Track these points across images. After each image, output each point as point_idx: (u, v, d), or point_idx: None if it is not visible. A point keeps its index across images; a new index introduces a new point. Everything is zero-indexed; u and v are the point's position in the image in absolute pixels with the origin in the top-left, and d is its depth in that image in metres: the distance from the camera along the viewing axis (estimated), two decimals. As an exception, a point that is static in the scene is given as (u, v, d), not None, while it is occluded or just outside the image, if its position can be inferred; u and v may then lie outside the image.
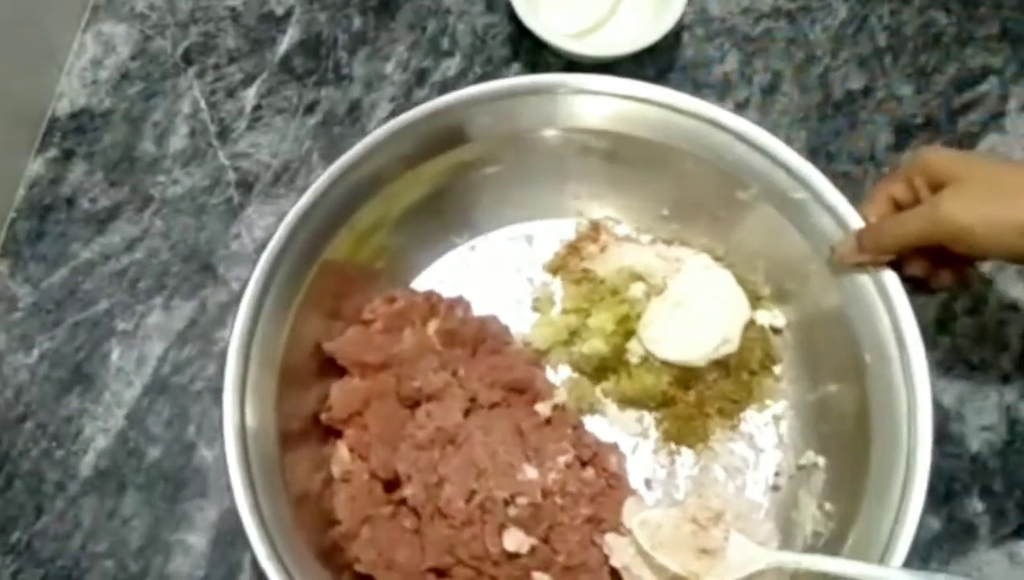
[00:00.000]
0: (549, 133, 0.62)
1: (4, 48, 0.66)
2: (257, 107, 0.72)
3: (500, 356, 0.61)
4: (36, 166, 0.70)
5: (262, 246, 0.59)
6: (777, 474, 0.61)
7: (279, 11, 0.76)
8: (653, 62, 0.73)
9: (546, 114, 0.62)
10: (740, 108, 0.72)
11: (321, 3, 0.76)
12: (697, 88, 0.73)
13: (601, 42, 0.73)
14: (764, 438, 0.62)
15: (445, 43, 0.75)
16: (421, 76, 0.73)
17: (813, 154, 0.70)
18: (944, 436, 0.63)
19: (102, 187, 0.70)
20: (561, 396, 0.60)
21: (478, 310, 0.63)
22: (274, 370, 0.55)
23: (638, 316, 0.63)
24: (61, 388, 0.64)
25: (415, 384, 0.58)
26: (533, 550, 0.54)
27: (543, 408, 0.59)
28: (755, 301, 0.64)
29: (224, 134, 0.71)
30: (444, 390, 0.58)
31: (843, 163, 0.70)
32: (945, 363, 0.65)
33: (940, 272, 0.56)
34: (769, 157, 0.59)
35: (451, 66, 0.74)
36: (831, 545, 0.55)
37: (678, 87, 0.63)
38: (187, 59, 0.74)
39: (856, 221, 0.57)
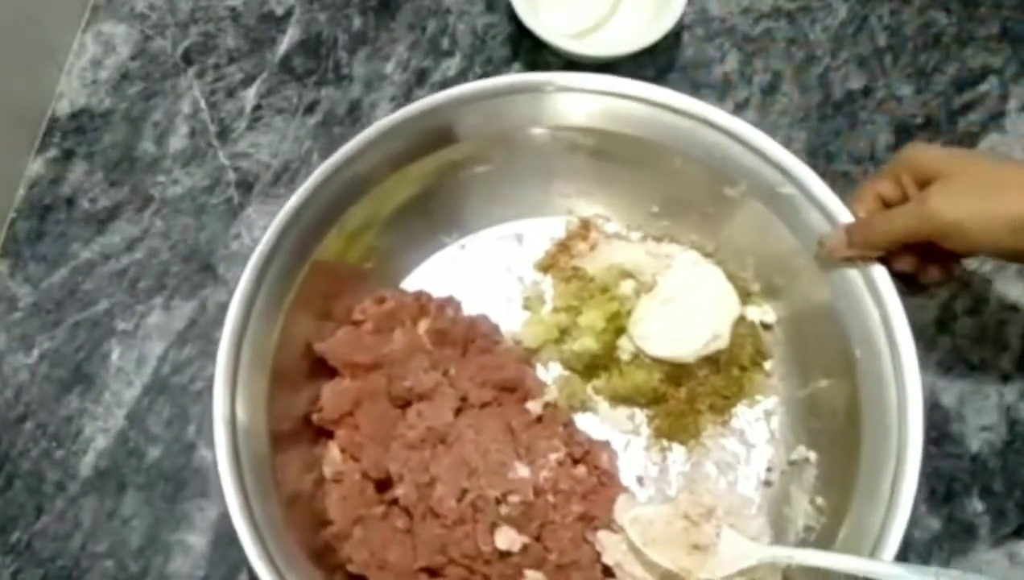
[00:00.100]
0: (537, 131, 0.63)
1: (4, 48, 0.66)
2: (257, 107, 0.72)
3: (490, 355, 0.61)
4: (36, 166, 0.70)
5: (262, 246, 0.59)
6: (769, 469, 0.61)
7: (279, 11, 0.76)
8: (653, 62, 0.73)
9: (534, 112, 0.62)
10: (740, 108, 0.72)
11: (321, 3, 0.76)
12: (697, 88, 0.73)
13: (601, 42, 0.73)
14: (755, 434, 0.62)
15: (445, 43, 0.75)
16: (421, 76, 0.73)
17: (813, 154, 0.70)
18: (944, 436, 0.63)
19: (102, 187, 0.70)
20: (552, 394, 0.60)
21: (468, 309, 0.63)
22: (265, 371, 0.55)
23: (628, 313, 0.63)
24: (61, 388, 0.64)
25: (406, 384, 0.58)
26: (525, 548, 0.54)
27: (534, 406, 0.59)
28: (745, 297, 0.64)
29: (224, 134, 0.71)
30: (435, 390, 0.58)
31: (843, 163, 0.70)
32: (945, 363, 0.65)
33: (929, 268, 0.56)
34: (757, 153, 0.59)
35: (451, 66, 0.74)
36: (822, 540, 0.56)
37: (678, 87, 0.63)
38: (187, 59, 0.74)
39: (845, 216, 0.57)
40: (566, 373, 0.63)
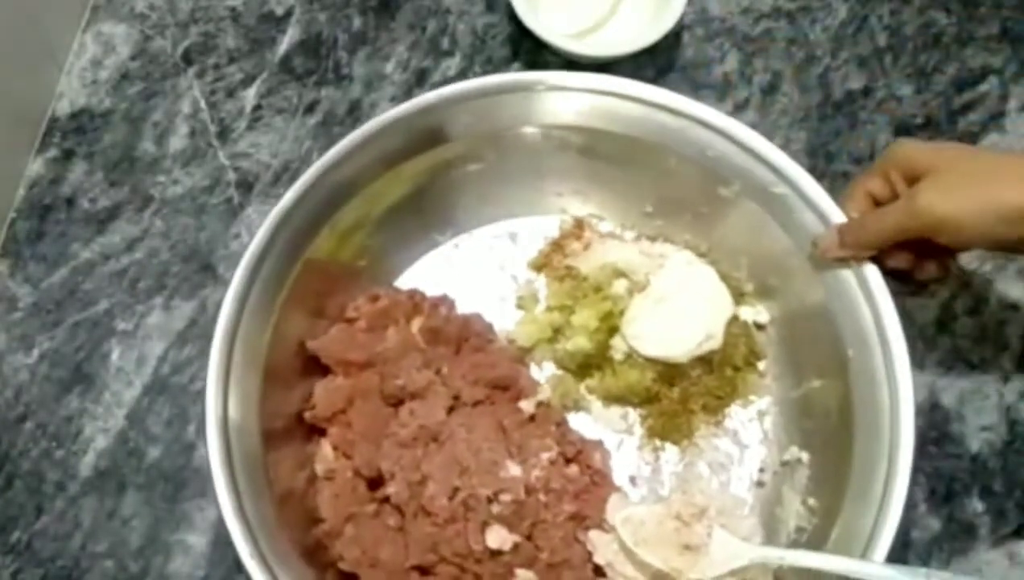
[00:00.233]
0: (530, 131, 0.63)
1: (4, 48, 0.66)
2: (257, 107, 0.72)
3: (484, 354, 0.61)
4: (36, 166, 0.70)
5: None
6: (761, 470, 0.61)
7: (279, 11, 0.76)
8: (653, 62, 0.73)
9: (526, 111, 0.62)
10: (740, 108, 0.72)
11: (321, 3, 0.76)
12: (697, 88, 0.73)
13: (601, 42, 0.73)
14: (748, 434, 0.62)
15: (445, 43, 0.75)
16: (421, 76, 0.73)
17: (813, 154, 0.70)
18: (944, 436, 0.63)
19: (102, 187, 0.70)
20: (545, 393, 0.60)
21: (462, 308, 0.63)
22: (258, 369, 0.55)
23: (621, 313, 0.63)
24: (61, 388, 0.64)
25: (398, 382, 0.58)
26: (516, 547, 0.54)
27: (527, 405, 0.59)
28: (739, 297, 0.64)
29: (224, 134, 0.71)
30: (427, 388, 0.58)
31: (843, 163, 0.70)
32: (945, 363, 0.65)
33: (925, 264, 0.56)
34: (750, 153, 0.59)
35: (451, 66, 0.74)
36: (814, 541, 0.56)
37: (677, 87, 0.63)
38: (187, 59, 0.74)
39: (838, 216, 0.57)
40: (559, 372, 0.63)
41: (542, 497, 0.55)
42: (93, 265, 0.67)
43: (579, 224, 0.66)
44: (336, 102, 0.72)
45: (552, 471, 0.56)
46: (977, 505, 0.62)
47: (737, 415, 0.63)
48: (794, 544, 0.57)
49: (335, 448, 0.58)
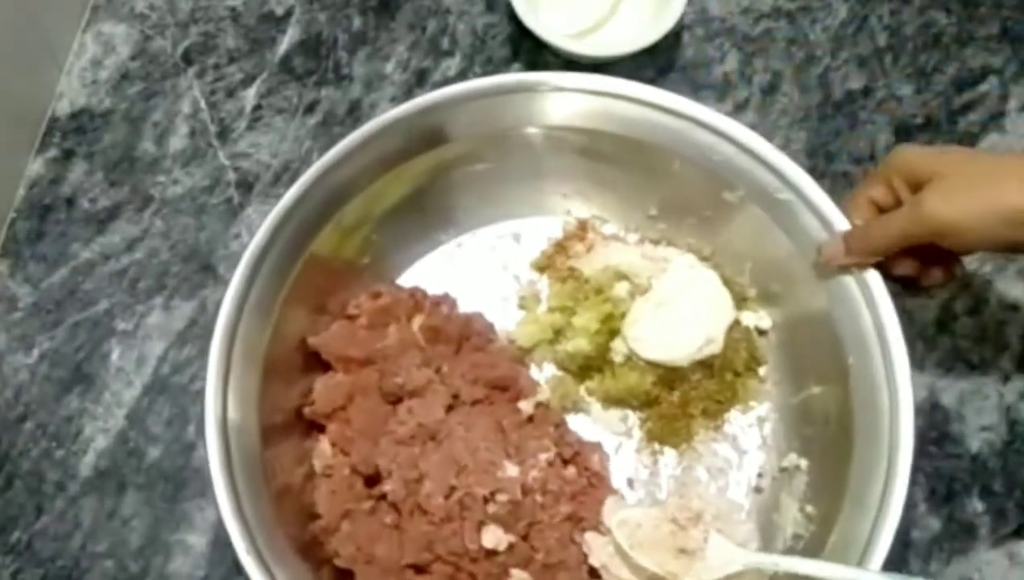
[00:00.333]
0: (534, 131, 0.62)
1: (4, 48, 0.66)
2: (257, 107, 0.72)
3: (484, 353, 0.61)
4: (36, 166, 0.70)
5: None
6: (760, 476, 0.61)
7: (279, 11, 0.76)
8: (653, 62, 0.73)
9: (530, 112, 0.62)
10: (740, 108, 0.72)
11: (321, 3, 0.76)
12: (697, 88, 0.73)
13: (601, 42, 0.73)
14: (748, 439, 0.62)
15: (445, 43, 0.75)
16: (421, 76, 0.73)
17: (813, 154, 0.70)
18: (944, 436, 0.63)
19: (102, 187, 0.70)
20: (544, 394, 0.60)
21: (464, 307, 0.63)
22: (258, 364, 0.55)
23: (622, 315, 0.63)
24: (61, 388, 0.64)
25: (397, 380, 0.58)
26: (512, 547, 0.54)
27: (526, 406, 0.59)
28: (741, 302, 0.63)
29: (224, 134, 0.71)
30: (426, 386, 0.58)
31: (843, 163, 0.70)
32: (945, 363, 0.65)
33: (930, 270, 0.56)
34: (755, 157, 0.59)
35: (451, 66, 0.74)
36: (811, 548, 0.55)
37: (677, 87, 0.63)
38: (187, 59, 0.74)
39: (842, 223, 0.57)
40: (559, 373, 0.63)
41: (539, 498, 0.55)
42: (93, 265, 0.67)
43: (583, 226, 0.66)
44: (336, 102, 0.72)
45: (549, 472, 0.56)
46: (977, 505, 0.62)
47: (737, 420, 0.63)
48: (790, 551, 0.57)
49: (333, 444, 0.58)
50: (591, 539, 0.56)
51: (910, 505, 0.60)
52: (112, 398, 0.64)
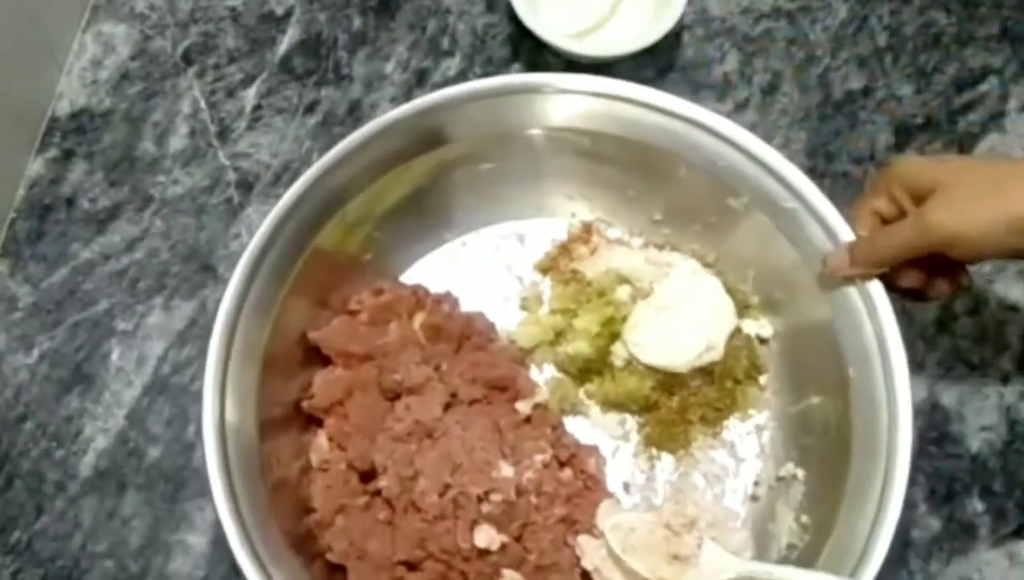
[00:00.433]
0: (535, 132, 0.62)
1: (4, 48, 0.66)
2: (257, 107, 0.72)
3: (484, 353, 0.61)
4: (36, 166, 0.70)
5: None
6: (756, 484, 0.61)
7: (279, 11, 0.76)
8: (653, 62, 0.73)
9: (531, 113, 0.62)
10: (740, 108, 0.72)
11: (321, 3, 0.76)
12: (697, 88, 0.73)
13: (601, 42, 0.73)
14: (745, 447, 0.62)
15: (445, 43, 0.75)
16: (421, 76, 0.73)
17: (813, 154, 0.70)
18: (944, 436, 0.63)
19: (102, 187, 0.70)
20: (543, 395, 0.60)
21: (466, 306, 0.63)
22: (257, 358, 0.55)
23: (623, 319, 0.63)
24: (61, 388, 0.64)
25: (396, 377, 0.58)
26: (504, 547, 0.54)
27: (523, 407, 0.59)
28: (743, 310, 0.63)
29: (224, 134, 0.71)
30: (425, 384, 0.58)
31: (843, 163, 0.70)
32: (945, 363, 0.65)
33: (936, 282, 0.56)
34: (761, 164, 0.59)
35: (451, 66, 0.74)
36: (805, 558, 0.55)
37: (677, 87, 0.63)
38: (187, 59, 0.74)
39: (847, 232, 0.56)
40: (559, 375, 0.63)
41: (533, 499, 0.55)
42: (93, 265, 0.67)
43: (587, 228, 0.66)
44: (336, 102, 0.72)
45: (545, 474, 0.56)
46: (977, 505, 0.62)
47: (735, 428, 0.62)
48: (785, 560, 0.57)
49: (331, 439, 0.58)
50: (584, 542, 0.56)
51: (910, 505, 0.60)
52: (112, 398, 0.64)
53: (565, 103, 0.61)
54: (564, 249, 0.66)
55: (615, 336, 0.63)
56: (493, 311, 0.64)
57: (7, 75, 0.67)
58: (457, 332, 0.61)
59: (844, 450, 0.55)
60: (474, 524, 0.54)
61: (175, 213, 0.69)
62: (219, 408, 0.53)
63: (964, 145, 0.71)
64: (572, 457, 0.58)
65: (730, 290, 0.63)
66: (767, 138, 0.60)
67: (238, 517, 0.51)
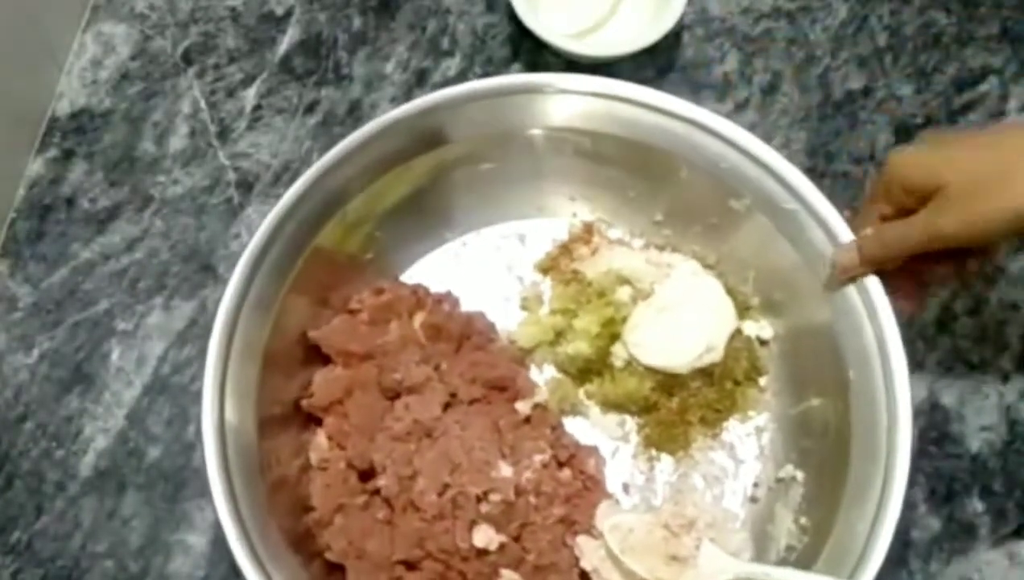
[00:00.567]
0: (538, 133, 0.62)
1: (4, 48, 0.66)
2: (257, 107, 0.72)
3: (484, 353, 0.61)
4: (36, 166, 0.70)
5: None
6: (756, 486, 0.61)
7: (279, 11, 0.76)
8: (653, 62, 0.73)
9: (532, 113, 0.62)
10: (740, 108, 0.72)
11: (321, 3, 0.76)
12: (697, 88, 0.73)
13: (601, 42, 0.73)
14: (745, 449, 0.62)
15: (445, 43, 0.75)
16: (421, 76, 0.73)
17: (813, 154, 0.70)
18: (944, 436, 0.63)
19: (102, 187, 0.70)
20: (543, 396, 0.60)
21: (466, 306, 0.63)
22: (257, 357, 0.56)
23: (623, 320, 0.62)
24: (61, 388, 0.64)
25: (395, 376, 0.58)
26: (503, 547, 0.54)
27: (523, 407, 0.59)
28: (744, 311, 0.63)
29: (224, 134, 0.71)
30: (424, 383, 0.58)
31: (843, 163, 0.70)
32: (945, 363, 0.65)
33: (966, 264, 0.56)
34: (763, 166, 0.59)
35: (451, 66, 0.74)
36: (804, 560, 0.55)
37: (677, 87, 0.63)
38: (187, 59, 0.74)
39: (847, 234, 0.56)
40: (559, 376, 0.63)
41: (532, 499, 0.55)
42: (93, 265, 0.67)
43: (588, 229, 0.66)
44: (336, 102, 0.72)
45: (544, 474, 0.56)
46: (977, 505, 0.62)
47: (735, 429, 0.62)
48: (783, 562, 0.57)
49: (330, 438, 0.59)
50: (583, 542, 0.56)
51: (910, 505, 0.60)
52: (112, 398, 0.64)
53: (565, 103, 0.61)
54: (565, 249, 0.66)
55: (615, 337, 0.62)
56: (493, 311, 0.64)
57: (7, 75, 0.67)
58: (457, 332, 0.61)
59: (844, 452, 0.55)
60: (473, 524, 0.54)
61: (175, 213, 0.69)
62: (219, 408, 0.53)
63: (964, 145, 0.71)
64: (571, 457, 0.58)
65: (730, 291, 0.63)
66: (767, 138, 0.60)
67: (237, 517, 0.51)
